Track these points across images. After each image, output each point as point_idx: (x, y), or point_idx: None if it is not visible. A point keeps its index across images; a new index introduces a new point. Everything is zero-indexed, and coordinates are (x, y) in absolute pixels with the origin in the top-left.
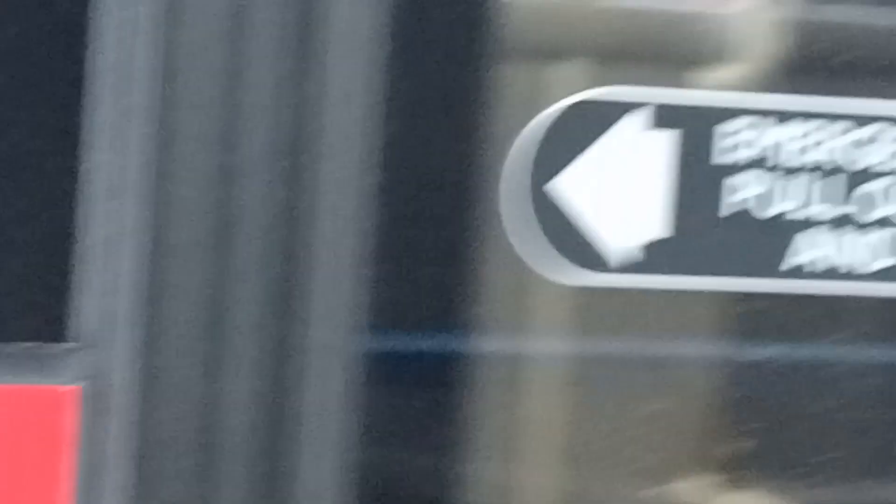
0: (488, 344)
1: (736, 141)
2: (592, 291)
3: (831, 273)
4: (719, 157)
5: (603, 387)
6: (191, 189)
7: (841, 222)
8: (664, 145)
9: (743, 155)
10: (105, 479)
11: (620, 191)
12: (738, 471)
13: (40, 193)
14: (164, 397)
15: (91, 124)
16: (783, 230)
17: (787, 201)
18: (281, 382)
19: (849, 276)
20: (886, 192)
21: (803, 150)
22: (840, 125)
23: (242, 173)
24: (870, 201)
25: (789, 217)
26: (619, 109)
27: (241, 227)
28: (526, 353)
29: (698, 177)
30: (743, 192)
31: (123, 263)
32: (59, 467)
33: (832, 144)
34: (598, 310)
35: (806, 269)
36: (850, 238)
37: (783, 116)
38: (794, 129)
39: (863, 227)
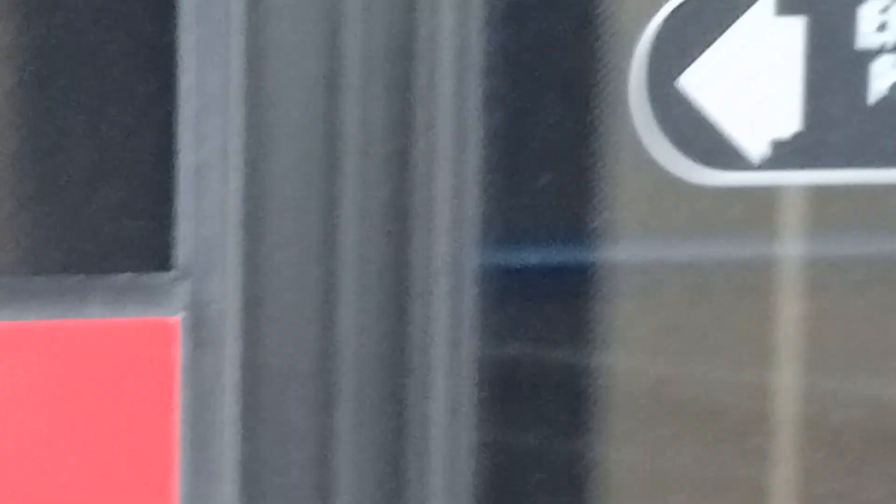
0: (623, 250)
1: (879, 22)
2: (728, 191)
3: None
4: (860, 42)
5: (741, 290)
6: (291, 104)
7: None
8: (798, 30)
9: (887, 38)
10: (212, 410)
11: (753, 83)
12: None
13: (135, 119)
14: (270, 324)
15: (184, 41)
16: None
17: None
18: (397, 302)
19: None
20: None
21: None
22: None
23: (347, 85)
24: None
25: None
26: None
27: (347, 142)
28: (664, 258)
29: (838, 63)
30: (888, 77)
31: (222, 187)
32: (165, 399)
33: None
34: (733, 209)
35: None
36: None
37: None
38: None
39: None
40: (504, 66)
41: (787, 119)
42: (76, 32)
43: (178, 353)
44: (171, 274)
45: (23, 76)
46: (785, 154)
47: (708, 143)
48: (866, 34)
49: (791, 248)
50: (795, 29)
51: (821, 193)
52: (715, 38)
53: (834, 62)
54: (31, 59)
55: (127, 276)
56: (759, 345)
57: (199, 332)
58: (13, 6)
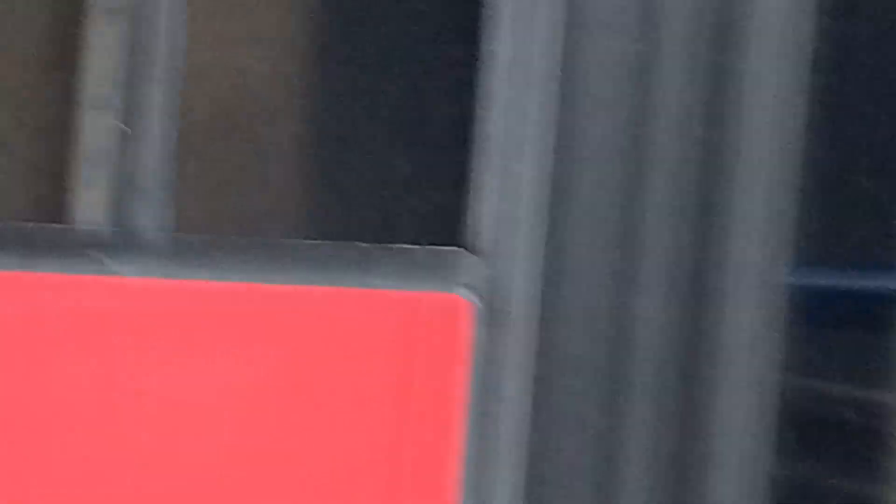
0: None
1: None
2: None
3: None
4: None
5: None
6: (603, 81)
7: None
8: None
9: None
10: (499, 394)
11: None
12: None
13: (436, 85)
14: (564, 309)
15: (494, 7)
16: None
17: None
18: (698, 306)
19: None
20: None
21: None
22: None
23: (660, 68)
24: None
25: None
26: None
27: (657, 126)
28: None
29: None
30: None
31: (525, 162)
32: (451, 378)
33: None
34: None
35: None
36: None
37: None
38: None
39: None
40: (833, 59)
41: None
42: None
43: (468, 332)
44: (465, 249)
45: (326, 38)
46: None
47: None
48: None
49: None
50: None
51: None
52: None
53: None
54: (338, 24)
55: (417, 248)
56: None
57: (490, 311)
58: None
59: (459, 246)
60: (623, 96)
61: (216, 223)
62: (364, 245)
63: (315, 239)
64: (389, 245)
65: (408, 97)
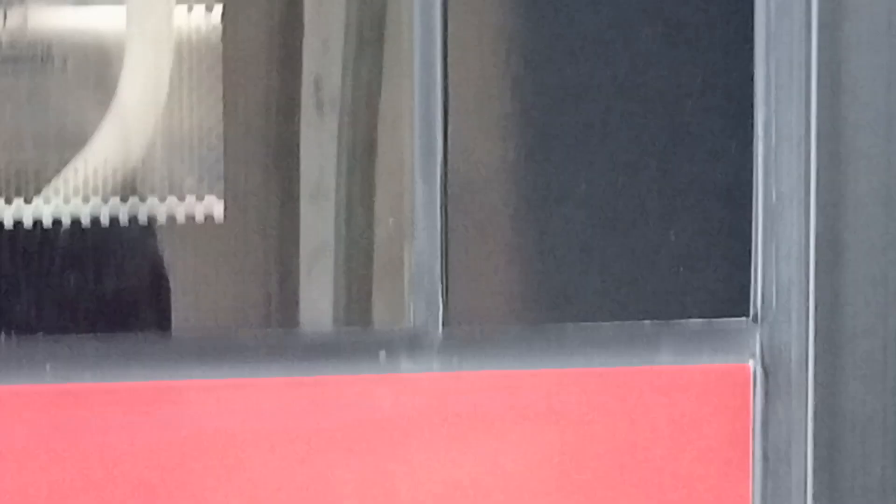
0: None
1: None
2: None
3: None
4: None
5: None
6: (867, 140)
7: None
8: None
9: None
10: (787, 462)
11: None
12: None
13: (709, 159)
14: (847, 371)
15: (759, 75)
16: None
17: None
18: None
19: None
20: None
21: None
22: None
23: None
24: None
25: None
26: None
27: None
28: None
29: None
30: None
31: (798, 228)
32: (738, 448)
33: None
34: None
35: None
36: None
37: None
38: None
39: None
40: None
41: None
42: (649, 68)
43: (752, 400)
44: (746, 319)
45: (597, 116)
46: None
47: None
48: None
49: None
50: None
51: None
52: None
53: None
54: (605, 100)
55: (700, 321)
56: None
57: (774, 378)
58: (591, 51)
59: (740, 314)
60: (890, 151)
61: (492, 313)
62: (645, 322)
63: (596, 321)
64: (671, 320)
65: (679, 171)
